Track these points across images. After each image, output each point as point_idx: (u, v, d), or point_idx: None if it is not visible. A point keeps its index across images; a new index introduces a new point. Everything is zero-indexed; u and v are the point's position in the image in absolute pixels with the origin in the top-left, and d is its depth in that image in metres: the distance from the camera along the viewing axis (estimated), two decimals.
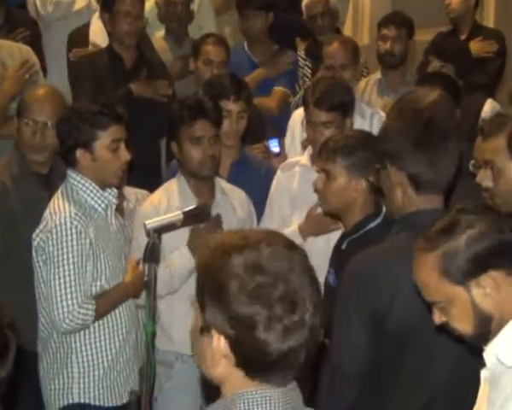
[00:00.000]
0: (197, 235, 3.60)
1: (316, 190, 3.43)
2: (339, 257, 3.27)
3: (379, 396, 2.63)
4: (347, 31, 7.18)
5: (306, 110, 3.90)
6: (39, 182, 3.78)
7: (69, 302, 3.23)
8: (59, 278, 3.24)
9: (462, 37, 5.91)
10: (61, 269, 3.24)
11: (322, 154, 3.36)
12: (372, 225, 3.27)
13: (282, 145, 4.56)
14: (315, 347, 1.63)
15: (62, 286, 3.23)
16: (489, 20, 7.26)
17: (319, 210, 3.71)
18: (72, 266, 3.24)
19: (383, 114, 4.31)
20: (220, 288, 1.59)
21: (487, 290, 2.08)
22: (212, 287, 1.61)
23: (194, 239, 3.60)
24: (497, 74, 5.87)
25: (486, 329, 2.11)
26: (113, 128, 3.34)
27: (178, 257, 3.61)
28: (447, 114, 2.90)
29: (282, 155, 4.49)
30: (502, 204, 2.92)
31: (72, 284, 3.23)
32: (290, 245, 1.65)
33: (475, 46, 5.72)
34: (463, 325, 2.12)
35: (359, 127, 4.05)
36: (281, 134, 4.70)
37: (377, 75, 5.53)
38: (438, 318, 2.17)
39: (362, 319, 2.55)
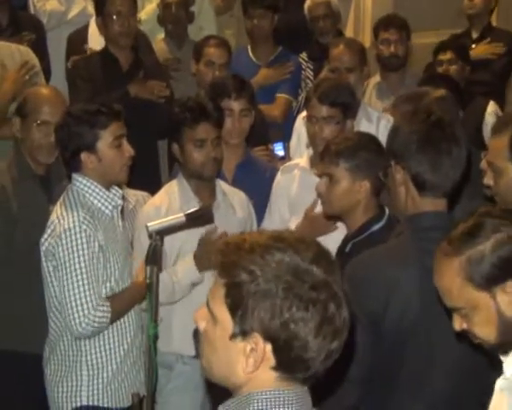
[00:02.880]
0: (205, 247, 3.62)
1: (319, 195, 3.44)
2: (342, 260, 3.27)
3: (379, 399, 2.66)
4: (349, 33, 7.20)
5: (308, 106, 3.94)
6: (38, 183, 3.78)
7: (84, 306, 3.24)
8: (72, 283, 3.25)
9: (474, 36, 5.95)
10: (73, 274, 3.25)
11: (325, 157, 3.37)
12: (375, 227, 3.28)
13: (286, 149, 4.56)
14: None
15: (76, 291, 3.24)
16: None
17: (316, 211, 3.72)
18: (84, 270, 3.25)
19: (390, 118, 4.32)
20: (269, 291, 1.56)
21: None
22: (257, 290, 1.56)
23: (202, 250, 3.63)
24: (503, 73, 5.91)
25: (510, 337, 2.05)
26: (113, 125, 3.36)
27: (183, 269, 3.64)
28: (448, 114, 2.91)
29: (286, 159, 4.50)
30: (501, 203, 2.94)
31: (86, 287, 3.25)
32: (324, 249, 1.66)
33: (479, 48, 5.76)
34: (486, 333, 2.06)
35: (365, 131, 4.06)
36: (285, 138, 4.71)
37: (376, 78, 5.56)
38: (458, 325, 2.11)
39: (362, 323, 2.57)
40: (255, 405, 1.58)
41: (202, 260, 3.62)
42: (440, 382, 2.58)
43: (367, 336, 2.57)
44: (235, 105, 4.11)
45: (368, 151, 3.28)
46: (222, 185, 3.88)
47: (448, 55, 5.36)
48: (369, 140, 3.37)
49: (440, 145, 2.61)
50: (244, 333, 1.58)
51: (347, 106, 3.91)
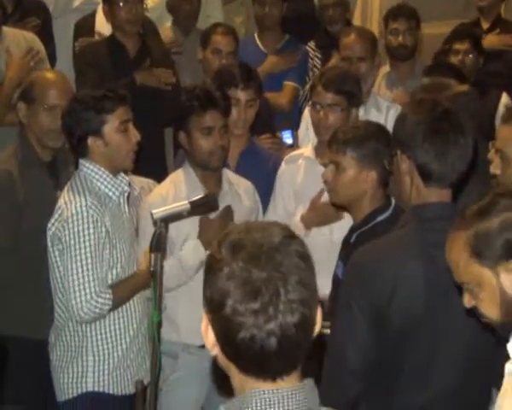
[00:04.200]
0: (207, 226, 3.65)
1: (325, 182, 3.45)
2: (348, 250, 3.29)
3: (381, 393, 2.67)
4: (356, 22, 7.21)
5: (313, 93, 3.97)
6: (45, 170, 3.81)
7: (87, 291, 3.28)
8: (76, 268, 3.29)
9: (484, 27, 5.98)
10: (78, 258, 3.29)
11: (332, 145, 3.38)
12: (381, 218, 3.29)
13: (295, 137, 4.57)
14: (293, 347, 1.61)
15: (80, 275, 3.28)
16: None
17: (323, 199, 3.74)
18: (89, 255, 3.29)
19: (400, 108, 4.33)
20: (208, 271, 1.66)
21: None
22: (205, 273, 1.68)
23: (205, 230, 3.65)
24: None
25: None
26: (119, 110, 3.40)
27: (189, 249, 3.66)
28: (468, 110, 2.91)
29: (295, 147, 4.52)
30: None
31: (90, 273, 3.29)
32: (287, 236, 1.64)
33: (492, 38, 5.77)
34: (490, 311, 2.09)
35: (375, 120, 4.07)
36: (293, 126, 4.72)
37: (385, 68, 5.58)
38: (467, 301, 2.14)
39: (365, 316, 2.59)
40: (253, 405, 1.61)
41: (205, 237, 3.63)
42: (445, 373, 2.59)
43: (368, 332, 2.58)
44: (242, 95, 4.13)
45: (376, 141, 3.29)
46: (228, 174, 3.89)
47: (465, 45, 5.36)
48: (378, 130, 3.38)
49: (447, 136, 2.61)
50: None
51: (352, 94, 3.93)
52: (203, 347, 3.69)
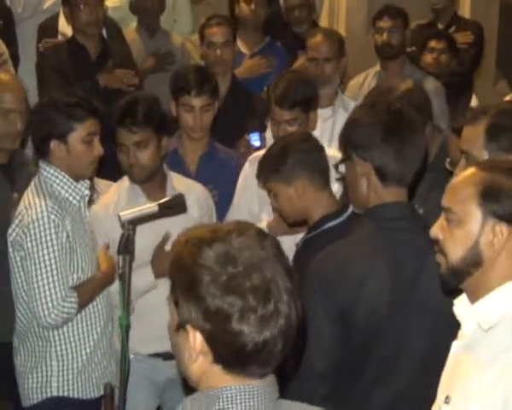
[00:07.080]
0: (163, 257, 3.67)
1: (273, 209, 3.53)
2: (295, 254, 3.34)
3: (347, 392, 2.71)
4: (323, 23, 7.30)
5: (269, 108, 4.01)
6: (0, 172, 3.81)
7: (53, 297, 3.31)
8: (41, 274, 3.32)
9: (440, 27, 6.10)
10: (42, 265, 3.32)
11: (260, 178, 3.45)
12: (332, 223, 3.30)
13: (263, 139, 4.61)
14: (292, 336, 1.65)
15: (45, 282, 3.31)
16: (464, 10, 7.45)
17: None
18: (53, 261, 3.32)
19: None
20: (192, 282, 1.61)
21: (495, 239, 2.12)
22: (183, 282, 1.63)
23: (159, 260, 3.69)
24: (472, 64, 6.10)
25: (469, 270, 2.15)
26: (89, 121, 3.43)
27: (140, 275, 3.67)
28: (417, 106, 2.97)
29: (263, 149, 4.55)
30: None
31: (55, 278, 3.32)
32: (261, 234, 1.66)
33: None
34: (454, 250, 2.16)
35: (343, 120, 4.11)
36: (262, 128, 4.76)
37: (377, 68, 5.64)
38: (435, 231, 2.20)
39: (330, 317, 2.62)
40: (220, 403, 1.63)
41: (157, 267, 3.67)
42: (410, 371, 2.64)
43: (336, 329, 2.62)
44: (196, 102, 4.13)
45: (296, 152, 3.31)
46: (174, 182, 3.85)
47: (441, 45, 5.48)
48: (298, 140, 3.40)
49: (403, 135, 2.67)
50: (182, 325, 1.65)
51: (308, 101, 3.96)
52: (151, 356, 3.74)
